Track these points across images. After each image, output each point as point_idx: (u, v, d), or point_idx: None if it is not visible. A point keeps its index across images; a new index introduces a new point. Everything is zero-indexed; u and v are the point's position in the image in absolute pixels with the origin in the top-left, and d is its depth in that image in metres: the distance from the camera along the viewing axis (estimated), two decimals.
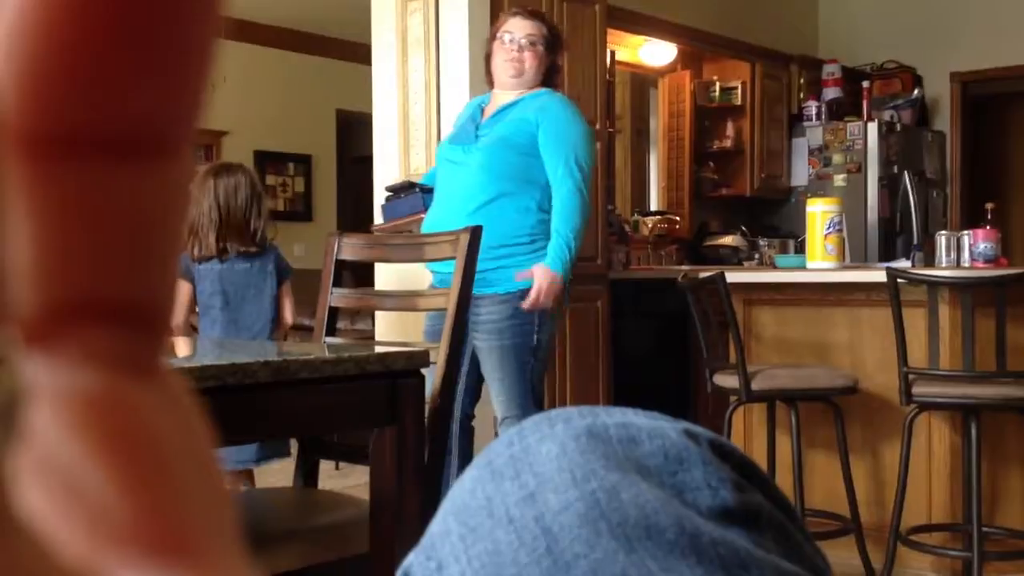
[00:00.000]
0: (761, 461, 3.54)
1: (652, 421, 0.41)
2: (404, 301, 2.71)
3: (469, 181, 3.09)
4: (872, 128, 6.22)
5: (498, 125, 3.13)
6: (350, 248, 2.44)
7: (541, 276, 3.04)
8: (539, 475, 0.38)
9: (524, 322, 3.05)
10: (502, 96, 3.20)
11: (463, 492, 0.40)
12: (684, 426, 0.42)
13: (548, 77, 3.20)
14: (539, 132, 3.08)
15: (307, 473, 2.32)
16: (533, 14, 3.28)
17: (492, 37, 3.23)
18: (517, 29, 3.16)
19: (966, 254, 3.93)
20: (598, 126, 4.71)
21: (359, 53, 4.18)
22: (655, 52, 6.10)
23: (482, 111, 3.23)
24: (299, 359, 1.63)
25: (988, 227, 3.98)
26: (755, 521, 0.38)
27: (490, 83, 3.25)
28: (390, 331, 4.13)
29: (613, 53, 5.53)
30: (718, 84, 6.42)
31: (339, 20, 7.24)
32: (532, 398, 3.13)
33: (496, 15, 4.26)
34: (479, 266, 2.67)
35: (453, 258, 2.35)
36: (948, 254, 4.03)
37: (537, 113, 3.10)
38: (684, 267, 5.12)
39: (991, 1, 6.67)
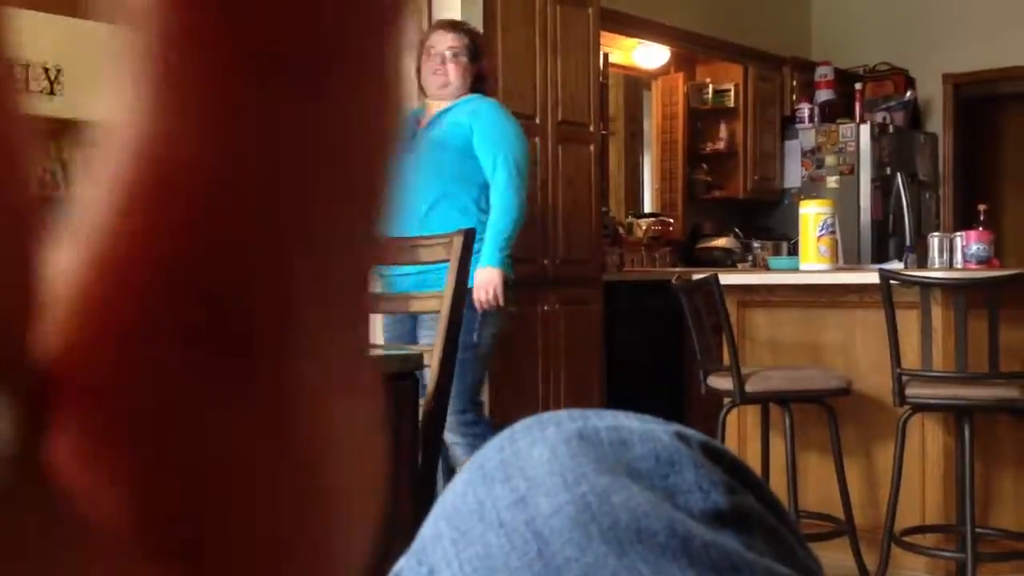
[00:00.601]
0: (755, 463, 3.54)
1: (643, 424, 0.41)
2: (397, 304, 2.70)
3: (412, 187, 3.17)
4: (865, 130, 6.24)
5: (433, 131, 3.25)
6: None
7: (478, 275, 3.15)
8: (530, 479, 0.38)
9: (466, 319, 3.13)
10: (434, 105, 3.32)
11: (454, 496, 0.40)
12: (676, 429, 0.41)
13: (476, 84, 3.34)
14: (473, 135, 3.22)
15: None
16: (454, 26, 3.41)
17: (419, 49, 3.30)
18: (439, 42, 3.29)
19: (959, 255, 3.93)
20: (592, 128, 4.71)
21: None
22: (648, 54, 6.11)
23: (418, 122, 3.31)
24: None
25: (980, 228, 3.99)
26: (747, 524, 0.38)
27: (421, 94, 3.34)
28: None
29: (606, 55, 5.54)
30: (711, 86, 6.43)
31: None
32: (467, 397, 3.18)
33: (491, 20, 4.26)
34: (422, 265, 2.74)
35: (447, 261, 2.35)
36: (941, 255, 4.04)
37: (470, 117, 3.23)
38: (678, 269, 5.13)
39: (983, 2, 6.69)
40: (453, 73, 3.27)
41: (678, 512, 0.37)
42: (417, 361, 2.02)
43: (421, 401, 2.12)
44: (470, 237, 2.34)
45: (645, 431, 0.40)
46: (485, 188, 3.26)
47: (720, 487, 0.39)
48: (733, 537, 0.37)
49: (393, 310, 2.95)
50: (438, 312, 2.30)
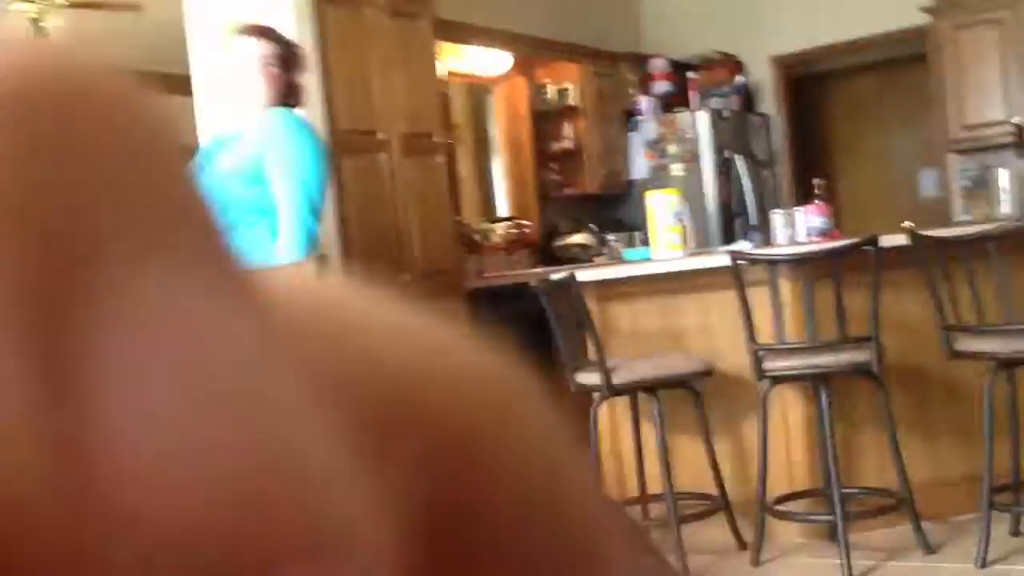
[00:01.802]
0: (629, 451, 3.61)
1: None
2: None
3: None
4: (702, 117, 6.43)
5: (229, 155, 3.01)
6: None
7: None
8: None
9: None
10: (237, 120, 3.10)
11: None
12: None
13: (287, 96, 3.09)
14: (265, 159, 2.94)
15: None
16: (264, 32, 3.14)
17: (228, 57, 3.12)
18: (246, 49, 3.06)
19: (801, 230, 4.09)
20: (435, 138, 4.71)
21: (176, 86, 4.07)
22: (489, 60, 6.15)
23: (222, 139, 3.13)
24: None
25: (818, 202, 4.15)
26: None
27: (232, 104, 3.17)
28: None
29: (446, 64, 5.55)
30: (552, 87, 6.52)
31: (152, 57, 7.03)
32: None
33: (324, 38, 4.21)
34: None
35: None
36: (784, 232, 4.19)
37: (264, 139, 2.97)
38: (537, 270, 5.17)
39: None
40: (261, 82, 3.02)
41: None
42: None
43: None
44: (323, 263, 2.30)
45: None
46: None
47: None
48: None
49: None
50: None
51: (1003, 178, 6.29)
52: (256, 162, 2.94)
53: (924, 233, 3.17)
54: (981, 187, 6.40)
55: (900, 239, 3.20)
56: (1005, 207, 6.19)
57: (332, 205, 4.16)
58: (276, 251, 2.92)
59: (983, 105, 6.25)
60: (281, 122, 3.00)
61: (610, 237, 6.20)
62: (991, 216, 5.85)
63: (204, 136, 4.43)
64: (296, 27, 4.15)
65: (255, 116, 3.03)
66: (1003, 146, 6.29)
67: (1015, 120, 6.17)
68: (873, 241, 3.10)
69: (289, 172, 2.95)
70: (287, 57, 3.11)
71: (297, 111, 3.13)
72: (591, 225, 6.33)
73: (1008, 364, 2.99)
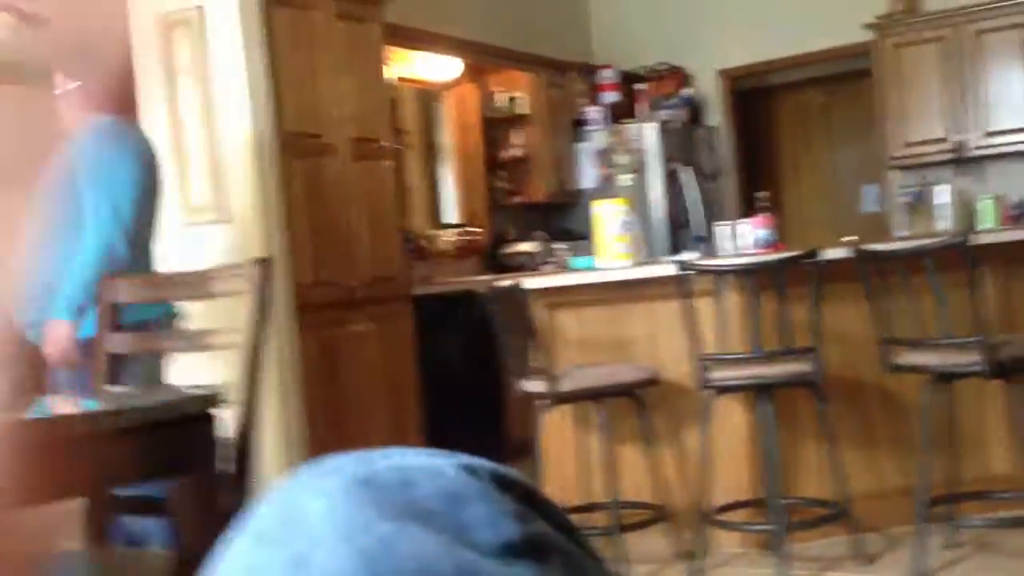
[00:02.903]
0: (572, 461, 3.61)
1: (429, 460, 0.40)
2: (195, 341, 2.59)
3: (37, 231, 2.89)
4: (649, 129, 6.48)
5: (54, 171, 2.89)
6: (128, 291, 2.31)
7: (49, 329, 2.83)
8: (308, 536, 0.35)
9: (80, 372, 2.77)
10: (68, 131, 2.98)
11: (224, 565, 0.37)
12: (463, 461, 0.40)
13: (120, 101, 3.03)
14: (81, 175, 2.85)
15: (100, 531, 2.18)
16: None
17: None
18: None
19: (746, 241, 4.13)
20: (383, 143, 4.68)
21: None
22: (440, 66, 6.14)
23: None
24: (78, 414, 1.53)
25: (764, 214, 4.20)
26: (541, 552, 0.37)
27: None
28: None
29: (397, 69, 5.52)
30: (503, 95, 6.53)
31: None
32: None
33: (273, 41, 4.16)
34: (37, 316, 2.47)
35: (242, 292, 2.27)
36: (729, 243, 4.23)
37: (81, 154, 2.87)
38: (484, 277, 5.17)
39: (750, 1, 7.08)
40: (83, 90, 2.90)
41: (469, 551, 0.35)
42: (216, 400, 1.94)
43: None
44: (268, 267, 2.27)
45: (431, 467, 0.39)
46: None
47: (511, 518, 0.38)
48: (528, 568, 0.36)
49: (188, 348, 2.83)
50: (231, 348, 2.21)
51: (941, 195, 6.43)
52: (75, 179, 2.83)
53: (862, 247, 3.22)
54: (920, 203, 6.53)
55: (841, 252, 3.25)
56: (943, 223, 6.32)
57: (277, 208, 4.12)
58: (76, 268, 2.81)
59: (923, 123, 6.38)
60: (102, 135, 2.88)
61: (558, 245, 6.22)
62: (929, 232, 5.97)
63: None
64: (243, 28, 4.11)
65: (79, 128, 2.91)
66: (942, 163, 6.42)
67: (954, 138, 6.30)
68: (813, 254, 3.15)
69: (97, 186, 2.82)
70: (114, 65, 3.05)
71: (127, 120, 2.99)
72: (540, 233, 6.34)
73: (944, 378, 3.05)
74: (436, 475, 0.39)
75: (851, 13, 6.55)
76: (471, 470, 0.40)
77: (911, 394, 3.32)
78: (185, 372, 3.68)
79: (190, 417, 1.70)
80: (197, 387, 1.82)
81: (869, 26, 6.48)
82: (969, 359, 2.94)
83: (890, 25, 6.45)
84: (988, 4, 6.15)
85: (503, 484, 0.40)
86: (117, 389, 2.24)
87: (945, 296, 3.06)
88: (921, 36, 6.35)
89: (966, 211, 6.31)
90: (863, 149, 7.46)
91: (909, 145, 6.43)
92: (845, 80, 7.47)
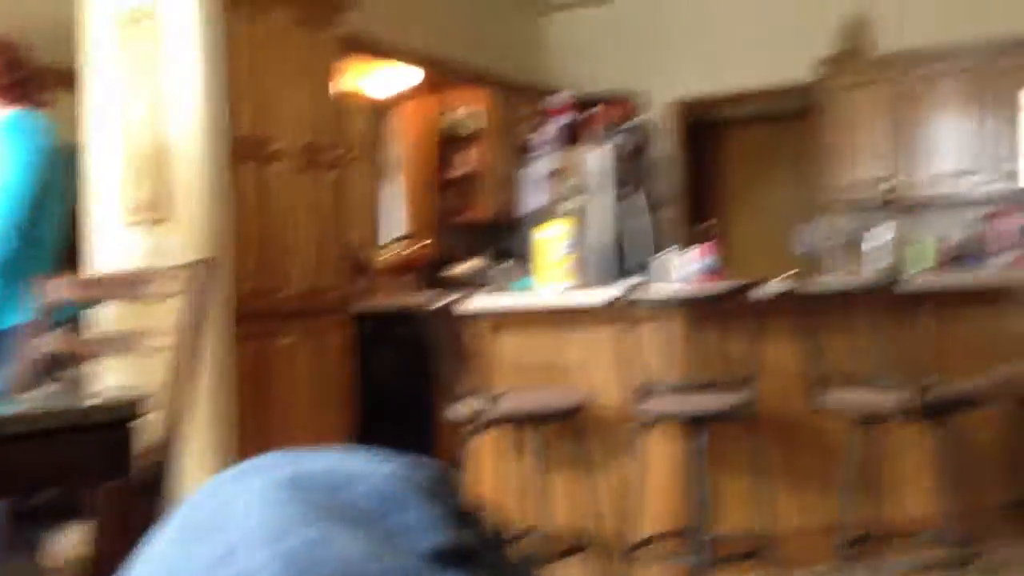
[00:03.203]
0: (503, 484, 3.60)
1: (364, 463, 0.39)
2: (124, 344, 2.55)
3: None
4: (601, 153, 6.52)
5: None
6: (66, 289, 2.27)
7: None
8: (233, 535, 0.34)
9: None
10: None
11: (146, 561, 0.36)
12: (397, 465, 0.39)
13: (16, 96, 3.00)
14: None
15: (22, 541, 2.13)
16: None
17: None
18: None
19: (689, 270, 4.16)
20: (331, 154, 4.65)
21: (60, 80, 3.95)
22: (393, 79, 6.13)
23: None
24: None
25: (709, 244, 4.24)
26: (471, 559, 0.37)
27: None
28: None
29: (352, 80, 5.50)
30: (455, 112, 6.53)
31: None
32: None
33: (230, 43, 4.12)
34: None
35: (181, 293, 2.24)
36: (674, 271, 4.25)
37: None
38: (420, 295, 5.14)
39: (707, 32, 7.18)
40: None
41: (399, 555, 0.35)
42: (145, 406, 1.91)
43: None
44: (211, 267, 2.24)
45: (365, 470, 0.38)
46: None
47: (444, 523, 0.37)
48: (458, 575, 0.36)
49: (123, 350, 2.78)
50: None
51: (879, 236, 6.55)
52: None
53: (792, 286, 3.25)
54: (854, 244, 6.65)
55: (775, 288, 3.28)
56: (879, 264, 6.43)
57: (222, 211, 4.07)
58: None
59: (864, 164, 6.50)
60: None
61: (502, 266, 6.22)
62: (860, 273, 6.07)
63: (91, 132, 4.29)
64: (199, 28, 4.07)
65: None
66: (881, 205, 6.54)
67: (895, 180, 6.43)
68: (746, 288, 3.17)
69: None
70: (11, 58, 3.00)
71: (31, 111, 2.98)
72: (485, 252, 6.34)
73: (869, 419, 3.09)
74: (370, 478, 0.38)
75: (800, 52, 6.67)
76: (406, 474, 0.39)
77: (840, 432, 3.36)
78: (116, 376, 3.61)
79: (108, 423, 1.66)
80: (120, 391, 1.77)
81: (817, 66, 6.59)
82: (894, 400, 2.99)
83: (838, 66, 6.57)
84: (936, 49, 6.28)
85: (437, 490, 0.39)
86: (34, 392, 2.19)
87: (873, 338, 3.11)
88: (867, 78, 6.47)
89: (904, 253, 6.44)
90: (802, 188, 7.59)
91: (845, 187, 6.55)
92: (792, 119, 7.59)
